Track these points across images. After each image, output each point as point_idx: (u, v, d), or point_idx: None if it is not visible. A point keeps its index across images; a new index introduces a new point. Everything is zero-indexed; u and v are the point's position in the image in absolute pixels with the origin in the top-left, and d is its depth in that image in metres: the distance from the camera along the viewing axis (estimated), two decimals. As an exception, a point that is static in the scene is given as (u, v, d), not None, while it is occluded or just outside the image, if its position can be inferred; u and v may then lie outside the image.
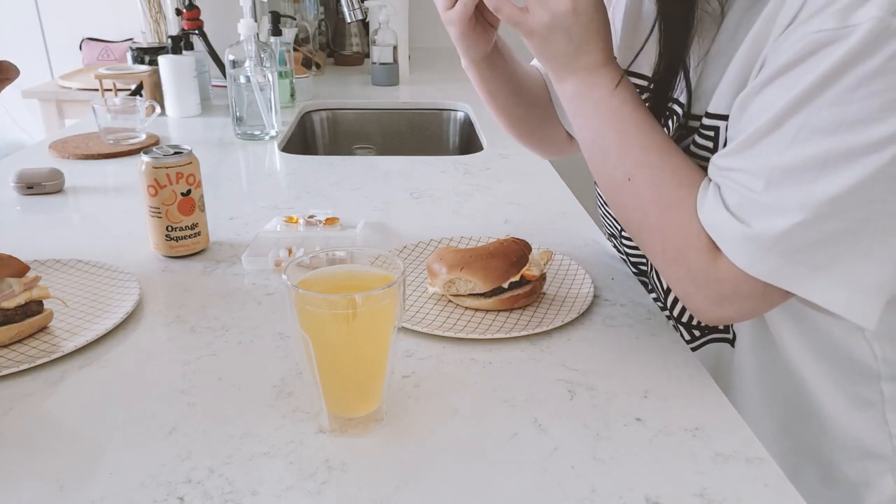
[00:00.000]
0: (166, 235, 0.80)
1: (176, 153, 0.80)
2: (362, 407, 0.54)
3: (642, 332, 0.67)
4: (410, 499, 0.46)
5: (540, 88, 0.88)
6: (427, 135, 1.79)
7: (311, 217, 0.91)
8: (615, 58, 0.63)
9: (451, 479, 0.48)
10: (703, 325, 0.72)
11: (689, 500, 0.46)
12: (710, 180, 0.57)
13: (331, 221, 0.91)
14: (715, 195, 0.55)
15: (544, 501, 0.46)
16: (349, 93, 1.88)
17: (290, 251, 0.82)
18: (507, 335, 0.65)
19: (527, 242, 0.73)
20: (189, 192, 0.80)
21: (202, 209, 0.83)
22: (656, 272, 0.74)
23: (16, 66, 0.64)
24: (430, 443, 0.52)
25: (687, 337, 0.73)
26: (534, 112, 0.87)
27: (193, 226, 0.82)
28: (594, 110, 0.62)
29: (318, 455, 0.50)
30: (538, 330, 0.66)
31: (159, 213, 0.80)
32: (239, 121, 1.38)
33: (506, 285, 0.69)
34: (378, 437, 0.52)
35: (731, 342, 0.70)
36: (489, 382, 0.59)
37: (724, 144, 0.58)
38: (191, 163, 0.80)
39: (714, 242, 0.55)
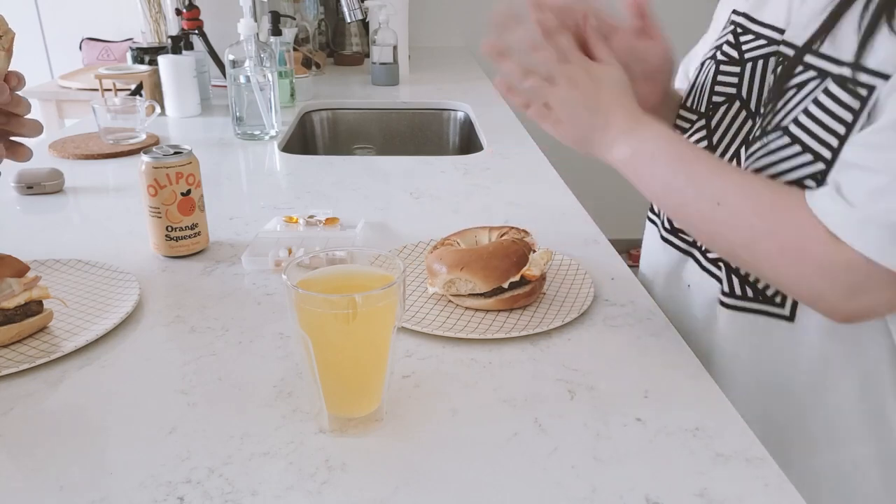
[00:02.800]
0: (166, 235, 0.80)
1: (176, 153, 0.80)
2: (362, 407, 0.54)
3: (642, 333, 0.67)
4: (410, 499, 0.46)
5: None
6: (427, 135, 1.79)
7: (311, 217, 0.91)
8: (642, 111, 0.65)
9: (451, 479, 0.48)
10: (764, 287, 0.68)
11: (690, 500, 0.46)
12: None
13: (331, 221, 0.91)
14: (826, 189, 0.54)
15: (544, 501, 0.46)
16: (349, 93, 1.88)
17: (290, 251, 0.82)
18: (507, 335, 0.65)
19: (527, 243, 0.73)
20: (189, 192, 0.80)
21: (202, 209, 0.83)
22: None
23: (28, 102, 0.66)
24: (430, 443, 0.52)
25: (749, 294, 0.69)
26: None
27: (193, 226, 0.82)
28: (653, 162, 0.63)
29: (318, 455, 0.50)
30: (538, 330, 0.66)
31: (159, 213, 0.80)
32: (239, 121, 1.38)
33: (506, 285, 0.69)
34: (378, 437, 0.52)
35: (789, 318, 0.67)
36: (489, 382, 0.59)
37: (868, 115, 0.56)
38: (190, 163, 0.80)
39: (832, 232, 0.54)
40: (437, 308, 0.71)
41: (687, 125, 0.77)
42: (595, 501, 0.46)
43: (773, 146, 0.62)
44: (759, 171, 0.63)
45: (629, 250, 2.93)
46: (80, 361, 0.61)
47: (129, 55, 1.78)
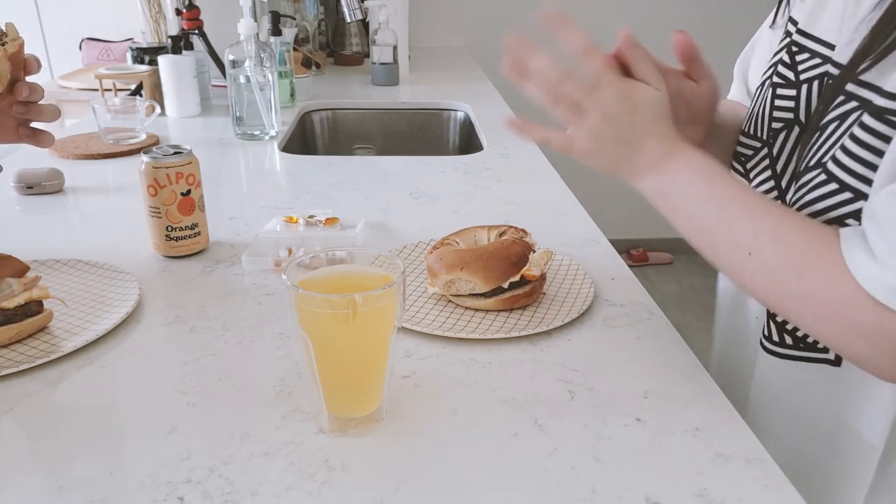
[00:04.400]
0: (166, 235, 0.80)
1: (176, 153, 0.80)
2: (362, 407, 0.54)
3: (643, 333, 0.67)
4: (410, 499, 0.46)
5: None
6: (427, 135, 1.79)
7: (311, 217, 0.91)
8: (679, 137, 0.60)
9: (451, 479, 0.48)
10: (808, 339, 0.65)
11: (690, 501, 0.46)
12: (850, 228, 0.52)
13: (331, 221, 0.91)
14: (862, 243, 0.50)
15: (544, 501, 0.46)
16: (349, 93, 1.88)
17: (290, 251, 0.82)
18: (507, 335, 0.65)
19: (527, 243, 0.73)
20: (189, 192, 0.80)
21: (202, 209, 0.83)
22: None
23: (41, 88, 0.70)
24: (430, 443, 0.52)
25: (788, 342, 0.66)
26: None
27: (193, 226, 0.82)
28: (682, 199, 0.58)
29: (318, 455, 0.50)
30: (538, 330, 0.66)
31: (159, 213, 0.80)
32: (239, 121, 1.38)
33: (506, 285, 0.69)
34: (378, 437, 0.52)
35: (834, 363, 0.64)
36: (489, 382, 0.59)
37: None
38: (190, 163, 0.80)
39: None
40: (437, 308, 0.71)
41: (750, 152, 0.71)
42: (595, 502, 0.46)
43: (812, 183, 0.57)
44: (801, 208, 0.58)
45: (629, 250, 2.93)
46: (80, 361, 0.61)
47: (129, 55, 1.78)
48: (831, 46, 0.62)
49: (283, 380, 0.59)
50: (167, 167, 0.78)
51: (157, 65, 1.52)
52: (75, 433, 0.52)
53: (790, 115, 0.67)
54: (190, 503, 0.45)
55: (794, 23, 0.69)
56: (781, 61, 0.69)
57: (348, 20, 1.88)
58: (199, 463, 0.49)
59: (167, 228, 0.80)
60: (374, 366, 0.53)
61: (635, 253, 2.94)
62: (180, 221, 0.81)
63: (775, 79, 0.70)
